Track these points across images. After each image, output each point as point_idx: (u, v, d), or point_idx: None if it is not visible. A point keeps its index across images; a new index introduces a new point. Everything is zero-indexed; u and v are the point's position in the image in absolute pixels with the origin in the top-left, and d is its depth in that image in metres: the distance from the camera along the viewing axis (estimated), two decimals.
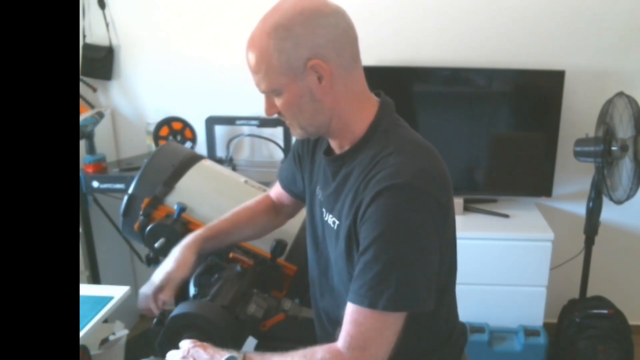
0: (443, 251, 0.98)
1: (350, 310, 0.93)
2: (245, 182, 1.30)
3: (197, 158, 1.30)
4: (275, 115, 1.03)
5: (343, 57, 0.96)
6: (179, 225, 1.19)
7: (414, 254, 0.91)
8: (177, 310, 1.06)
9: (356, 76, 1.00)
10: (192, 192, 1.24)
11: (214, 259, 1.15)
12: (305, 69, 0.94)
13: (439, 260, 0.96)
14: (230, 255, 1.15)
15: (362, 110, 1.02)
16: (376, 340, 0.92)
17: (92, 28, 2.63)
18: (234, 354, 0.96)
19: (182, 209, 1.18)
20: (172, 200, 1.22)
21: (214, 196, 1.26)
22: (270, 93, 1.00)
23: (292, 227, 1.24)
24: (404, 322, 0.93)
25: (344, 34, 0.96)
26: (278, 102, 0.99)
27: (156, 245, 1.19)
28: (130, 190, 1.24)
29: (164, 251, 1.20)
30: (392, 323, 0.91)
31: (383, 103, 1.04)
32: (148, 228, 1.19)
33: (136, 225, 1.22)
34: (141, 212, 1.21)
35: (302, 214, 1.30)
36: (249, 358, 0.96)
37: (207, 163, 1.31)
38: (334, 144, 1.07)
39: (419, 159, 0.95)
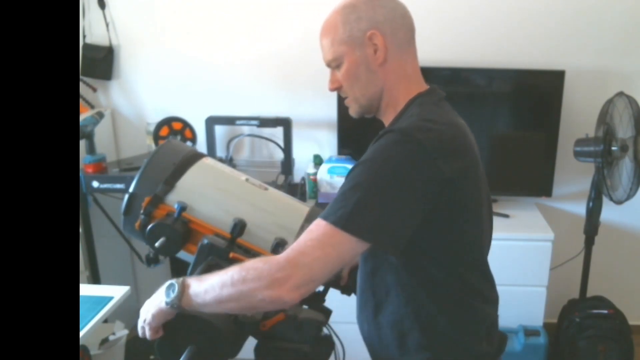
0: (448, 219, 1.01)
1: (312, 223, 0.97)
2: (247, 180, 1.29)
3: (199, 156, 1.29)
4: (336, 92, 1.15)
5: (397, 37, 1.08)
6: (179, 225, 1.18)
7: (383, 188, 0.94)
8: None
9: (408, 58, 1.11)
10: (194, 191, 1.23)
11: (214, 259, 1.15)
12: (364, 39, 1.07)
13: (425, 217, 0.98)
14: (231, 255, 1.14)
15: (409, 90, 1.11)
16: (315, 250, 0.93)
17: (92, 28, 2.63)
18: (173, 280, 1.03)
19: (182, 208, 1.17)
20: (173, 199, 1.21)
21: (215, 195, 1.25)
22: (333, 63, 1.11)
23: (294, 223, 1.22)
24: (353, 252, 0.94)
25: (400, 17, 1.09)
26: (339, 73, 1.11)
27: (157, 244, 1.18)
28: (131, 189, 1.24)
29: (165, 250, 1.19)
30: (338, 243, 0.93)
31: (431, 88, 1.14)
32: (148, 227, 1.19)
33: (137, 224, 1.22)
34: (142, 211, 1.21)
35: (303, 210, 1.27)
36: (186, 282, 1.02)
37: (209, 161, 1.30)
38: (385, 123, 1.14)
39: (431, 120, 1.01)
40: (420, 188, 0.96)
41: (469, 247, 1.10)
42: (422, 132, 0.97)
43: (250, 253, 1.16)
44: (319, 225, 0.95)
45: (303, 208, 1.30)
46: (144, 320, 1.07)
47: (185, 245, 1.21)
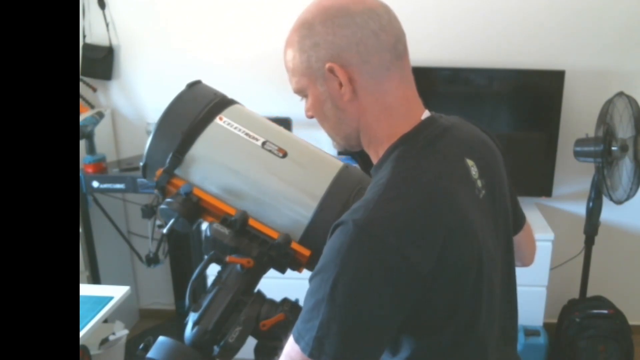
0: (437, 318, 0.84)
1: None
2: (263, 145, 1.13)
3: (209, 118, 1.16)
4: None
5: (370, 63, 0.85)
6: (188, 206, 1.14)
7: (345, 306, 0.78)
8: (151, 353, 1.05)
9: (389, 86, 0.87)
10: (203, 166, 1.17)
11: (216, 254, 1.13)
12: (325, 72, 0.86)
13: (405, 322, 0.82)
14: (228, 259, 1.12)
15: (393, 127, 0.88)
16: None
17: (92, 28, 2.63)
18: None
19: (187, 193, 1.13)
20: (184, 172, 1.17)
21: (225, 172, 1.18)
22: (299, 94, 0.93)
23: (303, 215, 1.17)
24: None
25: (372, 36, 0.84)
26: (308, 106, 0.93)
27: (165, 230, 1.15)
28: (142, 161, 1.21)
29: (178, 229, 1.16)
30: None
31: (422, 125, 0.89)
32: (159, 209, 1.16)
33: (153, 199, 1.18)
34: (154, 187, 1.17)
35: (327, 176, 1.13)
36: None
37: (221, 122, 1.16)
38: (372, 159, 0.95)
39: (398, 202, 0.79)
40: (391, 294, 0.78)
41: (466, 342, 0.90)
42: (383, 221, 0.78)
43: (259, 239, 1.13)
44: (294, 348, 0.83)
45: (327, 172, 1.14)
46: None
47: (197, 220, 1.17)
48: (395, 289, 0.78)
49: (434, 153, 0.87)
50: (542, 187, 2.53)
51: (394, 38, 0.87)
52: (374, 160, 0.93)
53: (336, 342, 0.78)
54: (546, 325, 2.41)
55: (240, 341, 1.07)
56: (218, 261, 1.12)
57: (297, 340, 0.82)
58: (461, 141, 0.94)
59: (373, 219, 0.78)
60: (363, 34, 0.84)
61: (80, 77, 2.66)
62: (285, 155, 1.13)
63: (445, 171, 0.86)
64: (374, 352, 0.82)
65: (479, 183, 0.92)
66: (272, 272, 1.16)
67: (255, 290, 1.15)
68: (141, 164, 1.20)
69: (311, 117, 0.95)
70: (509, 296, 1.02)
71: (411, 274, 0.78)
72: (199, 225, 1.19)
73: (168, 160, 1.13)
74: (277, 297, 1.15)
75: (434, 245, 0.79)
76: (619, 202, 2.35)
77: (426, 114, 0.92)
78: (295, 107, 2.82)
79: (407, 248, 0.77)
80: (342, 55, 0.85)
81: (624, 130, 2.29)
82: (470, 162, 0.92)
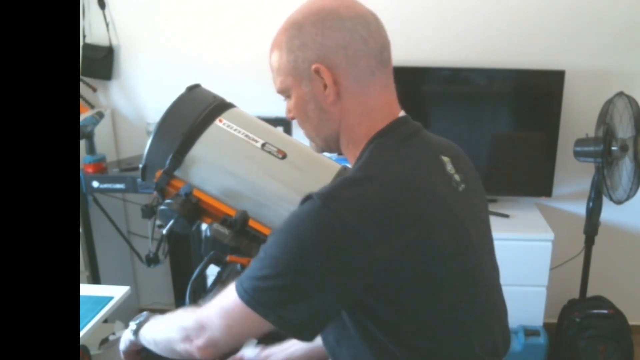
0: (387, 301, 0.83)
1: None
2: (263, 146, 1.14)
3: (209, 120, 1.18)
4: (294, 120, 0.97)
5: (356, 67, 0.87)
6: (188, 206, 1.14)
7: (293, 270, 0.79)
8: None
9: (372, 91, 0.90)
10: (203, 167, 1.17)
11: (216, 253, 1.13)
12: (311, 72, 0.88)
13: (363, 303, 0.83)
14: (228, 258, 1.12)
15: (373, 127, 0.90)
16: (220, 319, 0.86)
17: (92, 28, 2.63)
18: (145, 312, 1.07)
19: (187, 193, 1.14)
20: (184, 173, 1.17)
21: (225, 173, 1.18)
22: (282, 94, 0.95)
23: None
24: (258, 329, 0.84)
25: (360, 41, 0.87)
26: (291, 106, 0.95)
27: (164, 231, 1.15)
28: (142, 162, 1.21)
29: (178, 230, 1.16)
30: (243, 318, 0.83)
31: (398, 122, 0.92)
32: (159, 210, 1.16)
33: (152, 200, 1.19)
34: (153, 187, 1.17)
35: (325, 176, 1.14)
36: (149, 316, 1.05)
37: (221, 125, 1.18)
38: (350, 162, 0.97)
39: (369, 178, 0.81)
40: (338, 271, 0.78)
41: (444, 327, 0.89)
42: (347, 200, 0.79)
43: (259, 239, 1.13)
44: (231, 292, 0.85)
45: (324, 175, 1.16)
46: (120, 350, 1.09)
47: (196, 221, 1.18)
48: (343, 265, 0.78)
49: (410, 147, 0.89)
50: (542, 187, 2.53)
51: (380, 45, 0.90)
52: (351, 159, 0.94)
53: (272, 297, 0.80)
54: (546, 325, 2.41)
55: None
56: (218, 262, 1.12)
57: (237, 286, 0.84)
58: (434, 140, 0.97)
59: (337, 196, 0.79)
60: (352, 38, 0.87)
61: (80, 77, 2.66)
62: (284, 156, 1.14)
63: (422, 162, 0.89)
64: (312, 319, 0.82)
65: (457, 177, 0.94)
66: None
67: None
68: (140, 165, 1.21)
69: (292, 118, 0.96)
70: (496, 292, 1.04)
71: (366, 255, 0.78)
72: (199, 226, 1.20)
73: (168, 161, 1.14)
74: None
75: (404, 232, 0.79)
76: (619, 202, 2.35)
77: (402, 113, 0.95)
78: None
79: (366, 230, 0.77)
80: (329, 57, 0.87)
81: (624, 130, 2.29)
82: (445, 159, 0.94)
